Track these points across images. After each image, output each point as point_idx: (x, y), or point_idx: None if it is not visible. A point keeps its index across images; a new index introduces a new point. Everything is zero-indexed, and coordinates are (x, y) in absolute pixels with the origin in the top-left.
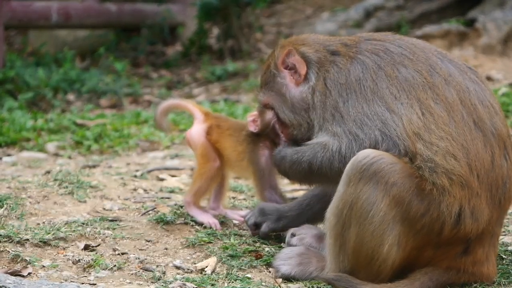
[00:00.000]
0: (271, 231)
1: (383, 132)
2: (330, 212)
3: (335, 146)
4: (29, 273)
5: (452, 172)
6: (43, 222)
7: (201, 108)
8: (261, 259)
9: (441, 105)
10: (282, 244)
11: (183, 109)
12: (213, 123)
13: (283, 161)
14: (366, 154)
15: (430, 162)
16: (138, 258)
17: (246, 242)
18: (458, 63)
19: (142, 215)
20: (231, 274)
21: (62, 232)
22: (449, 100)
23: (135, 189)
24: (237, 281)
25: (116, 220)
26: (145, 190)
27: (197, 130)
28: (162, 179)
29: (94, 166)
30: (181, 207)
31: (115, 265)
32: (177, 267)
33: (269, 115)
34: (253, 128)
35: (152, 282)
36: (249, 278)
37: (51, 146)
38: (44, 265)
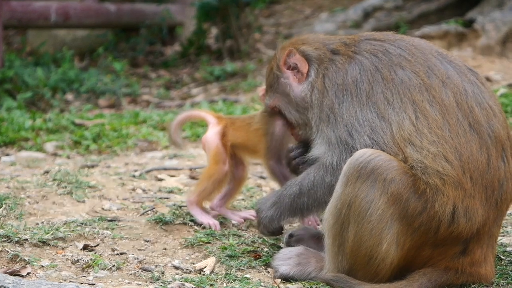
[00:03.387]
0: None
1: (371, 138)
2: (328, 212)
3: (328, 160)
4: (28, 273)
5: (444, 174)
6: (42, 222)
7: (213, 113)
8: (259, 260)
9: (436, 108)
10: (280, 244)
11: (195, 118)
12: (227, 123)
13: (272, 196)
14: (363, 153)
15: (421, 163)
16: (137, 258)
17: (244, 243)
18: (458, 64)
19: (141, 215)
20: (230, 274)
21: (61, 232)
22: (445, 103)
23: (133, 189)
24: (236, 281)
25: (115, 220)
26: (143, 190)
27: (212, 133)
28: (160, 179)
29: (92, 166)
30: (180, 207)
31: (114, 265)
32: (176, 267)
33: (269, 101)
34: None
35: (151, 282)
36: (247, 279)
37: (49, 146)
38: (43, 265)
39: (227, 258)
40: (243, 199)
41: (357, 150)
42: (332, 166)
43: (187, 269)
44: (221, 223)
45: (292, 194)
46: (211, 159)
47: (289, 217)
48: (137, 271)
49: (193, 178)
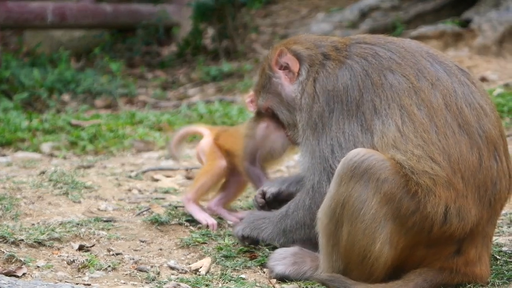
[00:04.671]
0: (273, 196)
1: None
2: (322, 212)
3: (309, 183)
4: (24, 274)
5: (433, 174)
6: (38, 223)
7: (207, 126)
8: (255, 260)
9: (424, 111)
10: (276, 245)
11: (192, 133)
12: (220, 130)
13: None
14: (357, 152)
15: (407, 164)
16: (133, 259)
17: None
18: (448, 65)
19: (136, 215)
20: (226, 274)
21: (56, 232)
22: (434, 105)
23: (129, 190)
24: (232, 281)
25: (110, 221)
26: (139, 191)
27: (205, 140)
28: (156, 180)
29: (89, 167)
30: (176, 207)
31: (109, 266)
32: (172, 268)
33: (262, 102)
34: (252, 108)
35: (146, 283)
36: (243, 279)
37: (46, 147)
38: (39, 265)
39: (223, 258)
40: (239, 200)
41: (335, 169)
42: (313, 188)
43: (182, 270)
44: (217, 224)
45: (279, 214)
46: (207, 158)
47: (271, 235)
48: (133, 272)
49: (189, 178)
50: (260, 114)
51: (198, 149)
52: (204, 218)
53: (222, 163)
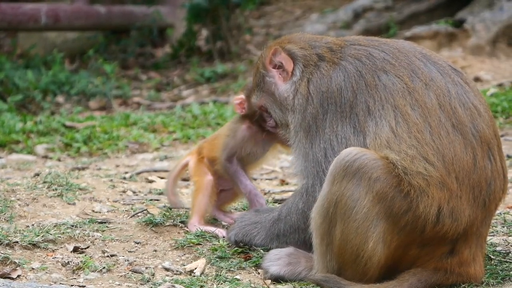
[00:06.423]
0: None
1: None
2: (315, 212)
3: (303, 186)
4: (19, 276)
5: (427, 175)
6: (32, 225)
7: (191, 151)
8: (250, 261)
9: (418, 111)
10: None
11: (180, 171)
12: (200, 144)
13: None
14: (349, 152)
15: (400, 164)
16: (127, 260)
17: None
18: (442, 65)
19: (131, 217)
20: (220, 275)
21: (51, 234)
22: (428, 105)
23: (124, 191)
24: (226, 282)
25: (105, 222)
26: (134, 192)
27: (191, 162)
28: (151, 181)
29: (83, 168)
30: (170, 209)
31: (104, 267)
32: (166, 269)
33: (256, 100)
34: (239, 110)
35: (141, 284)
36: (238, 280)
37: (40, 149)
38: (33, 267)
39: (217, 259)
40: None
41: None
42: (307, 192)
43: (177, 271)
44: (212, 224)
45: (272, 219)
46: (192, 175)
47: (265, 240)
48: (128, 273)
49: (183, 179)
50: (244, 117)
51: (190, 173)
52: (213, 228)
53: (208, 178)
